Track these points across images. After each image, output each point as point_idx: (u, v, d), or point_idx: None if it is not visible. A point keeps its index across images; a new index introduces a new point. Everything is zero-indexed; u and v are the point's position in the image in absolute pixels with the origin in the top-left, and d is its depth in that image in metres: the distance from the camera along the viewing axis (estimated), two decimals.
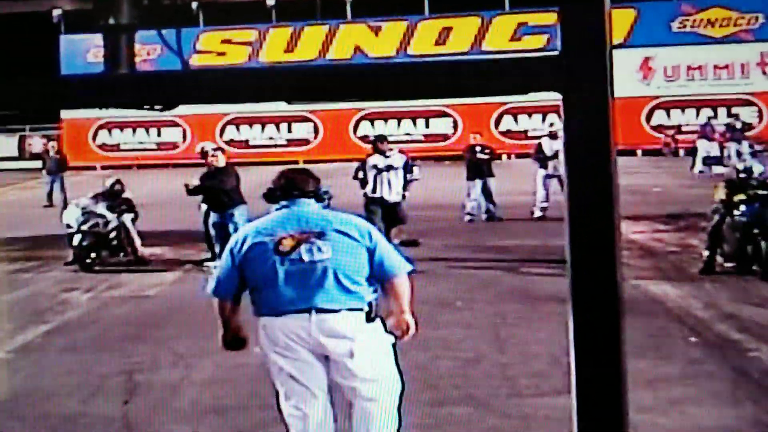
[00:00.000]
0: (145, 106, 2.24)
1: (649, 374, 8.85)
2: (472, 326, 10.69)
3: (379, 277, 6.39)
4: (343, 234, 6.34)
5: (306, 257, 6.26)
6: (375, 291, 6.40)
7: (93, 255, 16.57)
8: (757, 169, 15.07)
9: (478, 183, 21.47)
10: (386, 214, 16.35)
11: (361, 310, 6.27)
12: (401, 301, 6.47)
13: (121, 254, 17.09)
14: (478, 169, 21.70)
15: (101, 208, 16.92)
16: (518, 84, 1.83)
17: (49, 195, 28.13)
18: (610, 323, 1.63)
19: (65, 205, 25.86)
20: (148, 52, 29.89)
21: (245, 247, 6.38)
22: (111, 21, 2.37)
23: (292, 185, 6.56)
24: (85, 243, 16.50)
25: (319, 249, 6.27)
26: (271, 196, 6.63)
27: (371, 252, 6.35)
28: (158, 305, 13.49)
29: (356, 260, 6.31)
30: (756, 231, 13.63)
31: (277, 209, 6.55)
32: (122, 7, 2.39)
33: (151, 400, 9.14)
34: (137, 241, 17.22)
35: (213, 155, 16.81)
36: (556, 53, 1.75)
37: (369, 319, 6.29)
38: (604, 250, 1.65)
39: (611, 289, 1.64)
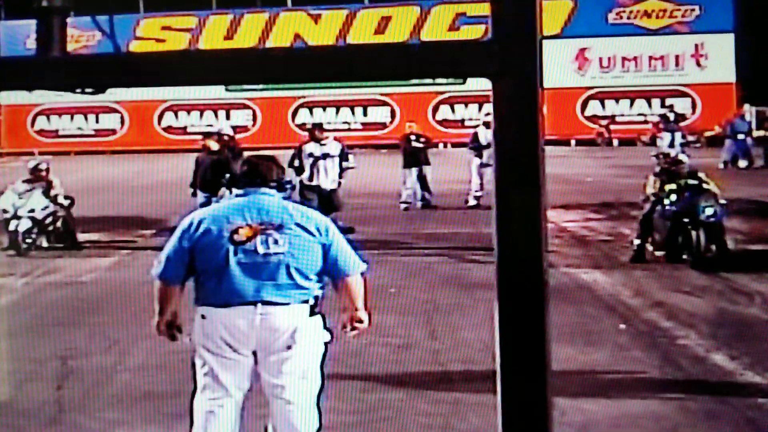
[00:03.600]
0: (76, 90, 2.29)
1: (578, 360, 9.01)
2: (405, 313, 10.77)
3: (333, 274, 6.31)
4: (301, 228, 6.19)
5: (261, 249, 6.12)
6: (322, 287, 6.32)
7: (29, 240, 16.50)
8: (684, 159, 15.35)
9: (414, 171, 21.60)
10: (322, 202, 16.44)
11: (307, 302, 6.20)
12: (355, 300, 6.39)
13: (57, 239, 17.02)
14: (414, 158, 21.85)
15: (37, 194, 16.82)
16: (447, 69, 1.88)
17: None
18: (535, 310, 1.70)
19: None
20: (87, 38, 29.67)
21: (199, 231, 6.18)
22: (44, 3, 2.38)
23: (255, 173, 6.37)
24: (21, 228, 16.42)
25: (276, 242, 6.13)
26: (232, 182, 6.52)
27: (326, 248, 6.23)
28: (93, 291, 13.46)
29: (311, 256, 6.19)
30: (686, 220, 13.83)
31: (237, 196, 6.39)
32: None
33: (84, 386, 9.14)
34: (73, 227, 17.16)
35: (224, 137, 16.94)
36: (486, 39, 1.82)
37: (312, 312, 6.22)
38: (531, 237, 1.70)
39: (537, 276, 1.71)
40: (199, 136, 18.88)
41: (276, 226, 6.17)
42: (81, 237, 17.27)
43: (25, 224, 16.44)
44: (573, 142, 37.60)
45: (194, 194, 16.33)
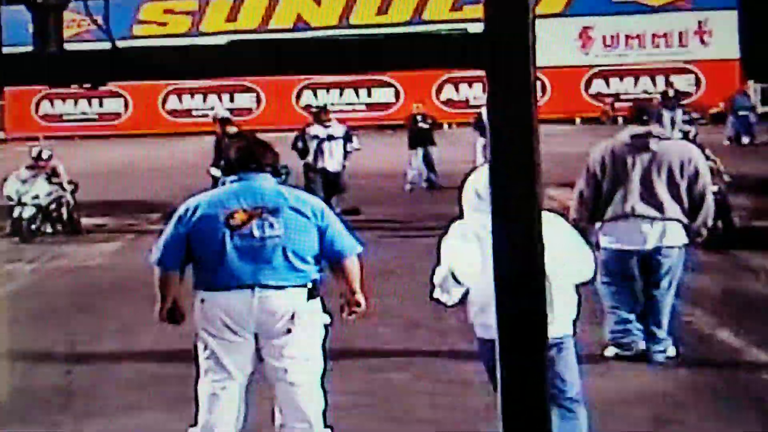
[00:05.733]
0: (73, 85, 2.31)
1: (582, 339, 8.99)
2: (411, 294, 10.80)
3: (329, 257, 6.35)
4: (296, 212, 6.23)
5: (257, 233, 6.16)
6: (320, 270, 6.37)
7: (34, 227, 16.54)
8: (689, 128, 15.29)
9: (420, 152, 21.64)
10: (326, 184, 16.46)
11: (304, 286, 6.23)
12: (352, 282, 6.41)
13: (62, 225, 17.07)
14: (420, 138, 21.87)
15: (41, 180, 16.85)
16: (441, 60, 1.90)
17: None
18: (531, 287, 1.71)
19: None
20: (89, 23, 29.65)
21: (195, 217, 6.24)
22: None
23: (250, 158, 6.41)
24: (25, 215, 16.45)
25: (271, 225, 6.17)
26: (227, 167, 6.52)
27: (322, 231, 6.27)
28: (100, 275, 13.51)
29: (307, 239, 6.23)
30: None
31: (232, 181, 6.42)
32: None
33: (94, 370, 9.20)
34: (78, 212, 17.20)
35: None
36: (479, 30, 1.84)
37: (311, 296, 6.26)
38: (527, 229, 1.70)
39: (532, 257, 1.72)
40: (204, 119, 18.95)
41: (271, 210, 6.20)
42: (86, 222, 17.31)
43: (29, 211, 16.48)
44: (578, 120, 37.57)
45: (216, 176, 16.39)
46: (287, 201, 6.27)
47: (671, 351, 8.79)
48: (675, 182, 8.56)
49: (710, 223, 8.81)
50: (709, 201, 8.69)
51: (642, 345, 8.72)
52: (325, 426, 6.43)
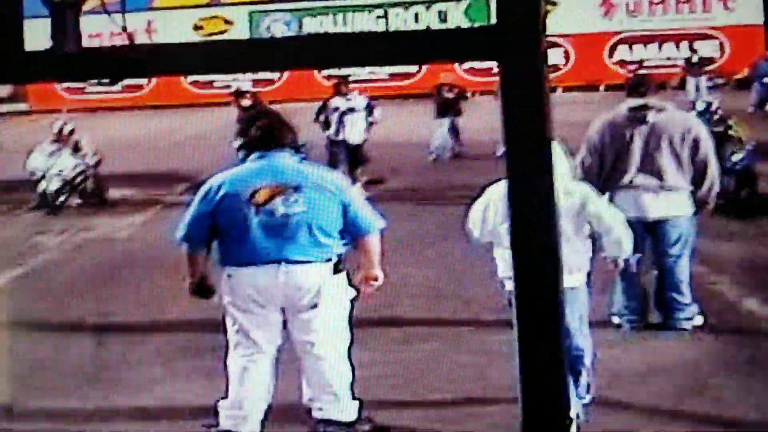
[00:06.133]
0: (92, 81, 2.35)
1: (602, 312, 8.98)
2: (437, 264, 10.83)
3: (352, 232, 6.43)
4: (319, 188, 6.34)
5: (281, 210, 6.28)
6: (345, 244, 6.46)
7: (60, 200, 16.60)
8: (712, 99, 15.21)
9: (446, 122, 21.58)
10: (349, 156, 16.46)
11: (329, 261, 6.35)
12: (372, 257, 6.52)
13: (89, 198, 17.13)
14: (446, 108, 21.82)
15: (66, 153, 16.91)
16: (456, 53, 1.95)
17: None
18: (547, 254, 1.74)
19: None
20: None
21: (219, 195, 6.35)
22: None
23: (270, 136, 6.52)
24: (51, 188, 16.52)
25: (295, 202, 6.28)
26: (247, 146, 6.63)
27: (345, 207, 6.37)
28: (129, 247, 13.58)
29: (330, 215, 6.33)
30: None
31: (253, 160, 6.50)
32: None
33: (123, 342, 9.27)
34: (104, 184, 17.26)
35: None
36: (491, 24, 1.88)
37: (336, 270, 6.37)
38: (543, 221, 1.73)
39: (552, 262, 1.75)
40: (226, 90, 18.96)
41: (294, 187, 6.31)
42: (113, 194, 17.37)
43: (55, 184, 16.53)
44: (602, 87, 37.41)
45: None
46: (309, 178, 6.38)
47: (698, 320, 8.80)
48: (676, 152, 8.60)
49: (716, 190, 8.84)
50: (713, 169, 8.71)
51: (643, 323, 8.78)
52: (353, 398, 6.55)
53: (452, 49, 1.87)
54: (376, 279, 6.59)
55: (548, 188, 1.71)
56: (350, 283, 6.53)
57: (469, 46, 1.85)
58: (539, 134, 1.71)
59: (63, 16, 2.24)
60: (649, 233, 8.71)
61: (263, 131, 6.56)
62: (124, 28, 2.59)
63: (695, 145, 8.63)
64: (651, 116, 8.64)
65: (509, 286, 6.58)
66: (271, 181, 6.34)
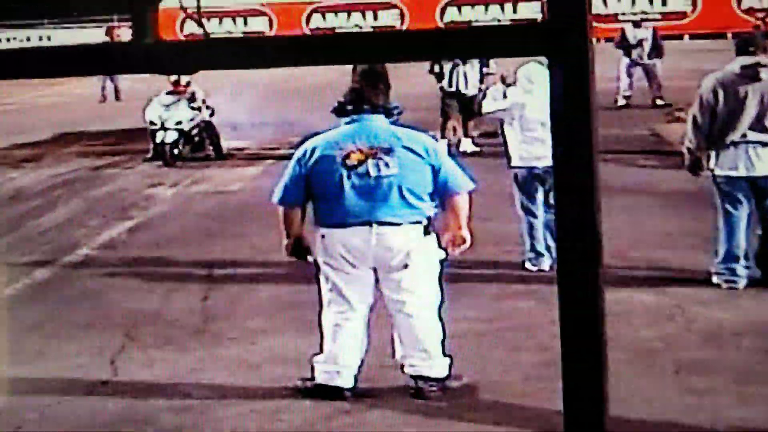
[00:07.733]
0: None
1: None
2: None
3: (442, 194, 6.54)
4: (410, 151, 6.46)
5: (373, 172, 6.41)
6: (436, 206, 6.58)
7: (177, 151, 16.79)
8: None
9: None
10: (463, 107, 16.30)
11: (420, 223, 6.46)
12: (460, 218, 6.63)
13: (204, 150, 17.31)
14: None
15: (183, 105, 17.03)
16: (505, 50, 1.92)
17: (102, 89, 28.05)
18: (588, 225, 1.72)
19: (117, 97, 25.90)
20: None
21: (313, 158, 6.52)
22: None
23: (362, 99, 6.64)
24: (168, 140, 16.70)
25: (386, 164, 6.41)
26: (340, 110, 6.71)
27: (436, 170, 6.48)
28: (240, 200, 13.68)
29: (421, 177, 6.45)
30: None
31: (346, 123, 6.64)
32: None
33: (229, 296, 9.37)
34: (218, 136, 17.41)
35: None
36: (541, 21, 1.85)
37: (426, 231, 6.48)
38: (587, 223, 1.71)
39: (593, 268, 1.71)
40: None
41: (386, 150, 6.43)
42: (226, 145, 17.50)
43: (171, 136, 16.69)
44: (729, 35, 36.64)
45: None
46: (401, 140, 6.50)
47: None
48: None
49: None
50: None
51: (742, 284, 8.66)
52: (444, 355, 6.63)
53: (503, 46, 1.86)
54: (464, 240, 6.67)
55: (590, 187, 1.67)
56: (440, 245, 6.63)
57: (517, 44, 1.83)
58: (584, 134, 1.68)
59: (142, 11, 2.26)
60: (755, 191, 8.72)
61: (356, 93, 6.68)
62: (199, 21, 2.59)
63: None
64: (764, 73, 8.68)
65: (516, 161, 9.15)
66: (364, 144, 6.46)
